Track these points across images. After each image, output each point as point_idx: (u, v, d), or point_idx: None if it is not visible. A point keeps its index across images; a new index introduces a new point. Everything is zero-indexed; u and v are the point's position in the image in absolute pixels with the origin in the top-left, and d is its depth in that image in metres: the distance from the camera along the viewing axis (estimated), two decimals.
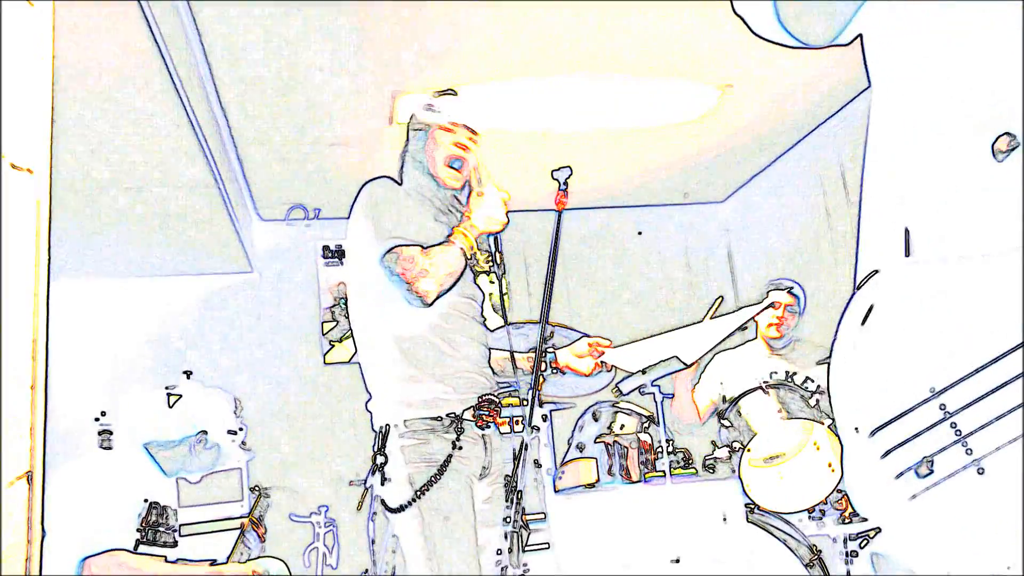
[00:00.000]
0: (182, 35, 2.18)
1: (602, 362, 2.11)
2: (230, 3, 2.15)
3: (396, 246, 1.75)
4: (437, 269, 1.76)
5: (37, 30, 1.60)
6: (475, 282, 1.92)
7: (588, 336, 2.12)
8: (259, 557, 2.46)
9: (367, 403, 1.87)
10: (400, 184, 1.91)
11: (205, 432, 2.55)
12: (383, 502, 1.80)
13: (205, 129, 2.46)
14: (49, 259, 1.55)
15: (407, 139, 1.96)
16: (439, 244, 1.78)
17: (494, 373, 1.95)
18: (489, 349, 1.94)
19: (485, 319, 1.94)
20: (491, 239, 1.88)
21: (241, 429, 2.64)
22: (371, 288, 1.83)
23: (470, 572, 1.76)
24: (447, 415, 1.79)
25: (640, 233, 3.57)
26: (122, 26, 2.01)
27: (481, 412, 1.82)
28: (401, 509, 1.76)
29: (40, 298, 1.54)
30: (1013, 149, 1.67)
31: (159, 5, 2.02)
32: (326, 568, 2.56)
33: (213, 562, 2.36)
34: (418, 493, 1.75)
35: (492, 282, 1.94)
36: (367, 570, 2.14)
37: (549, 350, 2.03)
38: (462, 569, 1.76)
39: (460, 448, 1.78)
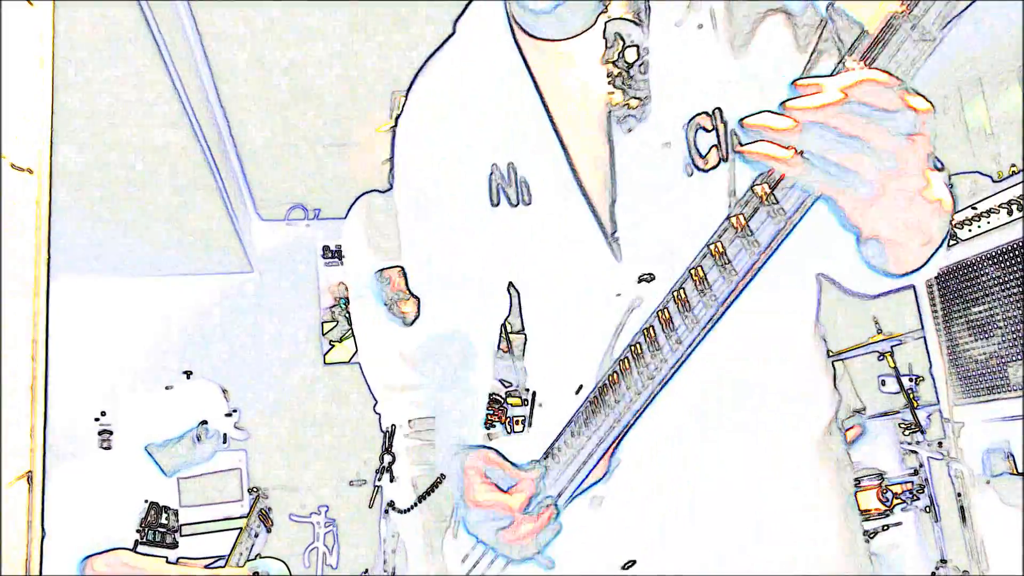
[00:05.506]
0: (182, 35, 2.18)
1: None
2: (231, 3, 2.15)
3: (382, 269, 1.79)
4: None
5: (37, 30, 1.60)
6: None
7: None
8: (259, 557, 2.46)
9: (375, 406, 1.87)
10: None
11: (206, 422, 2.55)
12: (391, 503, 1.81)
13: (205, 129, 2.46)
14: (49, 259, 1.55)
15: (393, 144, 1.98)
16: None
17: None
18: None
19: None
20: None
21: (234, 412, 2.66)
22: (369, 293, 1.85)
23: (471, 573, 1.76)
24: None
25: None
26: (122, 26, 2.01)
27: (487, 412, 1.83)
28: (408, 510, 1.77)
29: (40, 298, 1.53)
30: None
31: (159, 5, 2.02)
32: (326, 568, 2.55)
33: (215, 562, 2.36)
34: (423, 495, 1.75)
35: None
36: (367, 570, 2.14)
37: None
38: (463, 569, 1.76)
39: None
